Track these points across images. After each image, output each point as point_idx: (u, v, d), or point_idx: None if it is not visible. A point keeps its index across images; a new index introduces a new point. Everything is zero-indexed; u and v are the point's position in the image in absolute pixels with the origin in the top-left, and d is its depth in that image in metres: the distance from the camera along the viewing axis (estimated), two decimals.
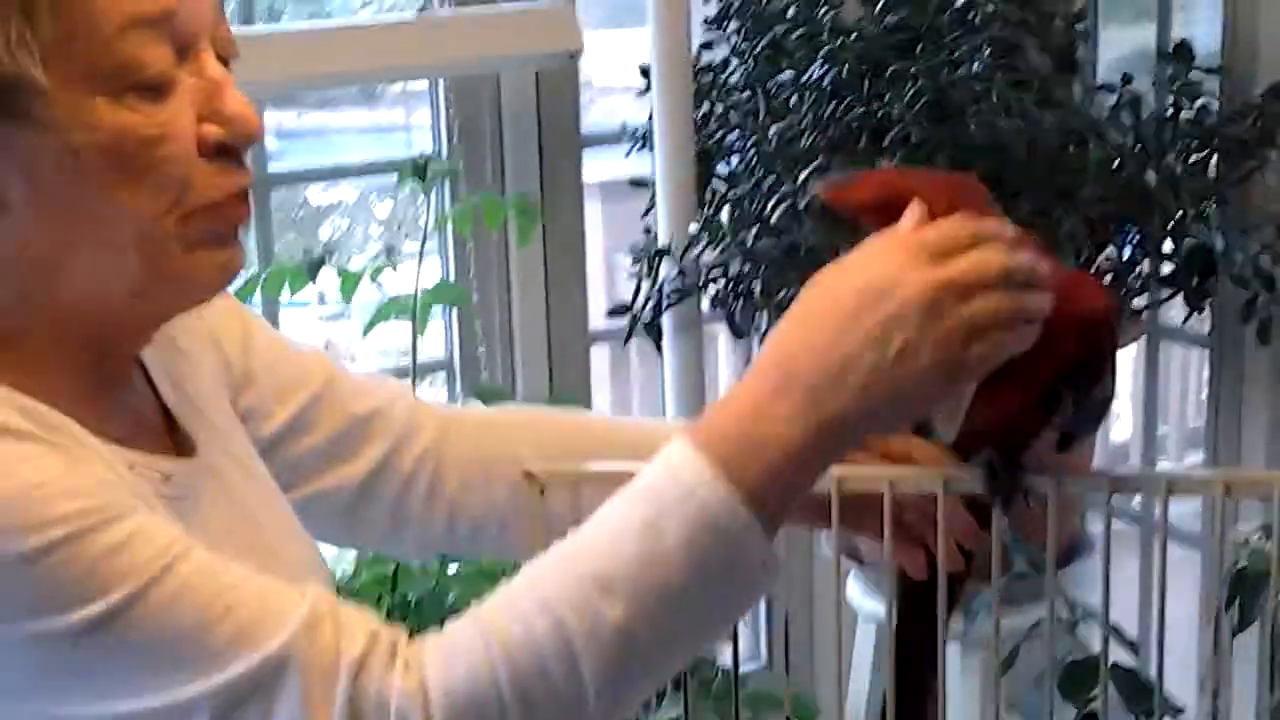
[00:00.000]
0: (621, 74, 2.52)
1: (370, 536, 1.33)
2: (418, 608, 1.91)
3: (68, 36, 0.94)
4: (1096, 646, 2.03)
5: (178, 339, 1.19)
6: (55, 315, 1.03)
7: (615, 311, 2.15)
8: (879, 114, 2.00)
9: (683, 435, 0.97)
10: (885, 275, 0.95)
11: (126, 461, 1.04)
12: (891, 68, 2.01)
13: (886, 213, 1.02)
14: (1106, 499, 1.20)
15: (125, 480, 1.01)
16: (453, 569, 2.00)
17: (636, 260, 2.28)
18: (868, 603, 2.24)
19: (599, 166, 2.66)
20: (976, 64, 1.99)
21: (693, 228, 2.13)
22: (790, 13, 2.26)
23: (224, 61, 1.03)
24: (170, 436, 1.13)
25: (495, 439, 1.27)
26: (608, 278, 3.47)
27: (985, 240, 0.98)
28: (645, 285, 2.14)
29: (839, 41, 2.09)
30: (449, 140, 2.37)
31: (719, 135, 2.24)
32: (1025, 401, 1.06)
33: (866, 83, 2.04)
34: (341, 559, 2.03)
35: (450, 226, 2.25)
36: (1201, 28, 2.52)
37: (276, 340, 1.28)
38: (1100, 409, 1.14)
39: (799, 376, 0.96)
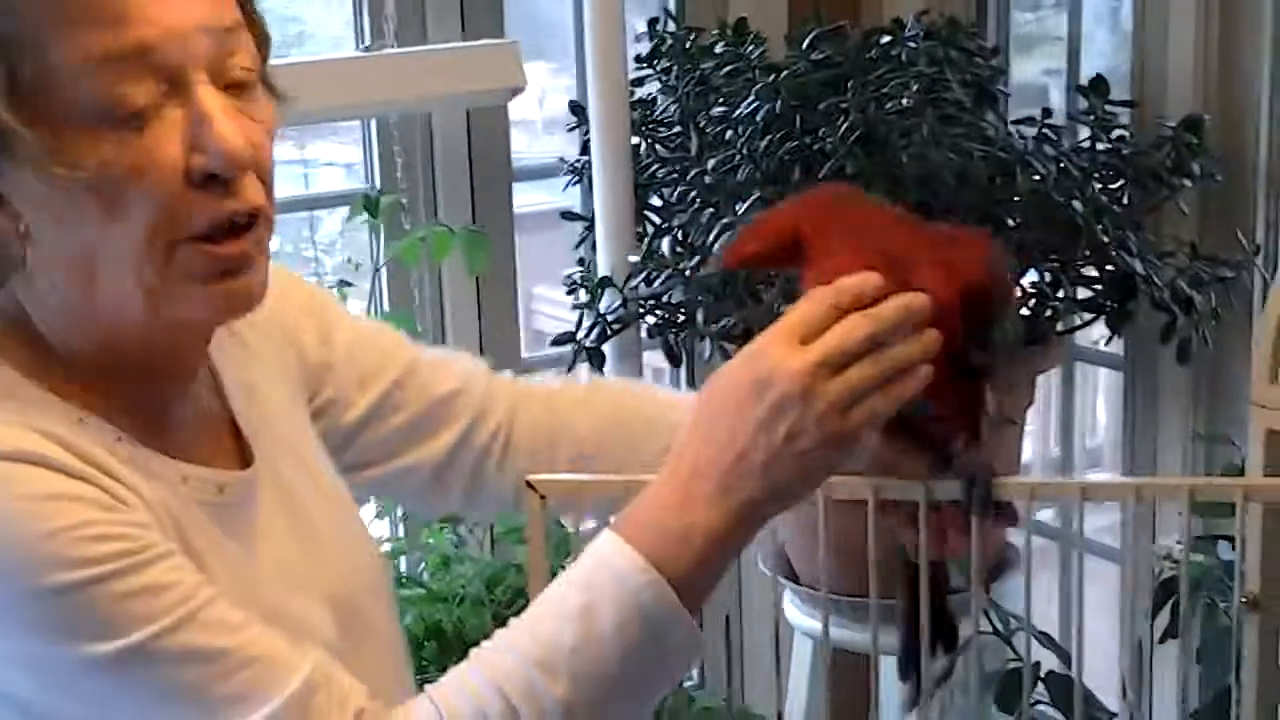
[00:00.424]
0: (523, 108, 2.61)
1: (448, 504, 1.42)
2: None
3: (45, 80, 0.99)
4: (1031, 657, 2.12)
5: (248, 339, 1.24)
6: (104, 333, 1.09)
7: (559, 340, 2.20)
8: (813, 146, 2.08)
9: (611, 529, 1.09)
10: (763, 368, 1.07)
11: (180, 474, 1.10)
12: (823, 103, 2.09)
13: (779, 255, 1.16)
14: (1027, 506, 1.29)
15: (168, 506, 1.07)
16: None
17: (571, 290, 2.33)
18: (804, 619, 2.30)
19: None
20: (905, 99, 2.06)
21: (633, 258, 2.19)
22: (718, 49, 2.33)
23: (238, 84, 1.05)
24: (235, 444, 1.18)
25: (558, 415, 1.37)
26: (526, 308, 3.52)
27: (847, 305, 1.08)
28: (588, 315, 2.18)
29: (770, 78, 2.16)
30: (381, 175, 2.41)
31: (650, 169, 2.30)
32: (940, 379, 1.14)
33: (799, 117, 2.11)
34: None
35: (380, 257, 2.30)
36: (1105, 60, 2.64)
37: (355, 327, 1.34)
38: (1008, 347, 1.25)
39: (708, 470, 1.07)
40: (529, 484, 1.27)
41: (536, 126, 3.09)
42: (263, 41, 1.11)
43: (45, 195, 1.02)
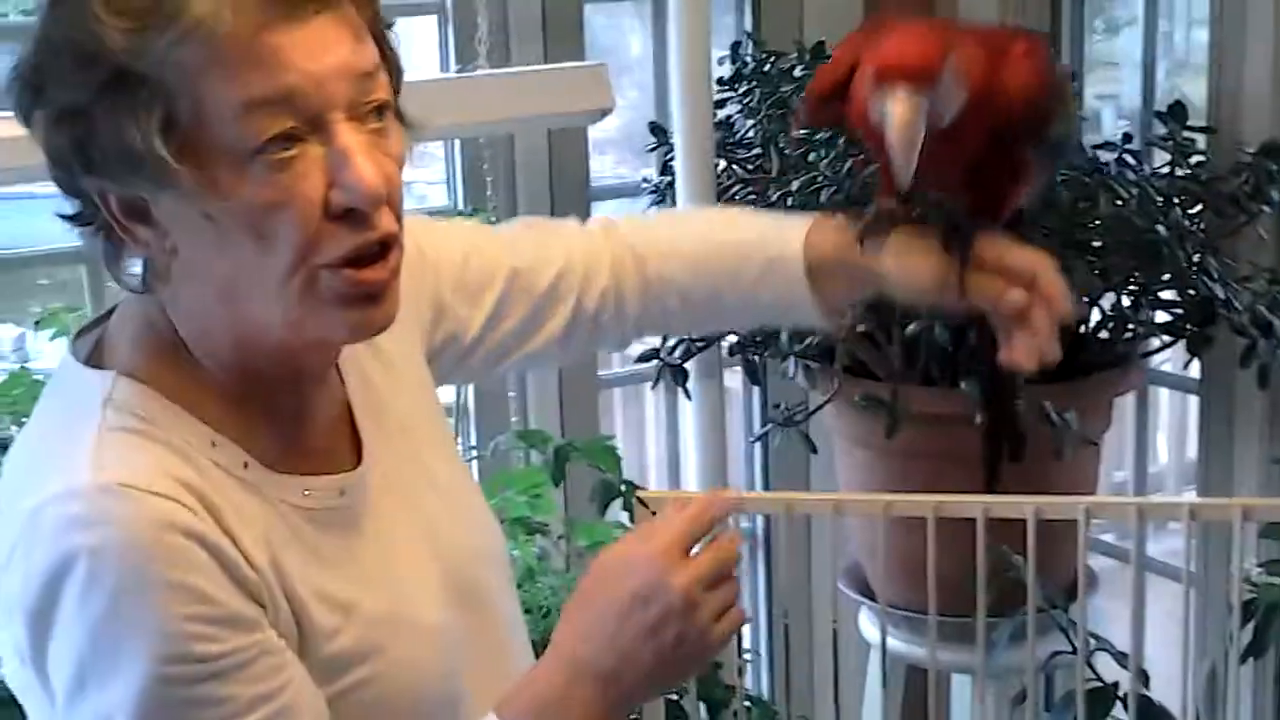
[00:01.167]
0: None
1: (576, 357, 1.67)
2: None
3: (200, 123, 1.07)
4: (1108, 677, 2.14)
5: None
6: (242, 348, 1.16)
7: (644, 358, 2.23)
8: None
9: (491, 713, 1.20)
10: (650, 580, 1.19)
11: (303, 489, 1.19)
12: None
13: (846, 77, 1.31)
14: (1085, 524, 1.33)
15: (275, 531, 1.16)
16: None
17: None
18: (878, 635, 2.32)
19: None
20: None
21: None
22: (797, 72, 2.37)
23: (371, 115, 1.11)
24: (354, 437, 1.27)
25: (657, 273, 1.49)
26: None
27: (718, 523, 1.25)
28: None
29: None
30: (466, 193, 2.46)
31: (730, 189, 2.34)
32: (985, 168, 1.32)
33: None
34: None
35: None
36: (1186, 86, 2.66)
37: (453, 253, 1.43)
38: (1059, 147, 1.43)
39: (589, 667, 1.19)
40: (639, 499, 1.31)
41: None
42: (396, 74, 1.17)
43: (196, 222, 1.09)
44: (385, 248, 1.13)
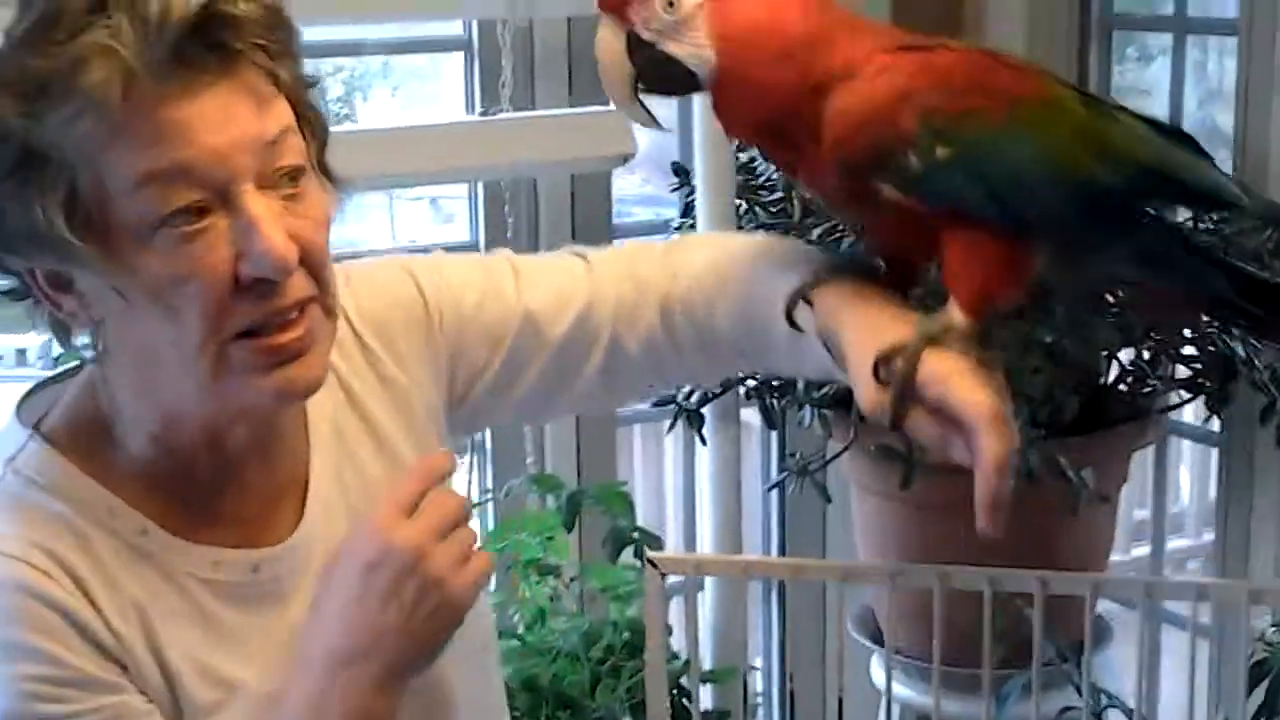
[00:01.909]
0: None
1: (630, 396, 1.56)
2: None
3: (102, 199, 1.06)
4: None
5: (367, 340, 1.30)
6: (166, 419, 1.16)
7: (661, 402, 2.23)
8: None
9: None
10: (375, 547, 1.14)
11: (211, 560, 1.18)
12: None
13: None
14: (1091, 600, 1.32)
15: (167, 605, 1.15)
16: None
17: None
18: (896, 687, 2.32)
19: None
20: None
21: None
22: None
23: (283, 179, 1.10)
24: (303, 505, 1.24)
25: (706, 292, 1.34)
26: None
27: (438, 483, 1.18)
28: None
29: None
30: (487, 233, 2.46)
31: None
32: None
33: None
34: None
35: None
36: (1219, 115, 2.64)
37: (467, 295, 1.34)
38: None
39: (346, 657, 1.14)
40: (650, 561, 1.31)
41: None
42: (320, 130, 1.16)
43: (108, 296, 1.10)
44: (301, 310, 1.13)
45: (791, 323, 1.22)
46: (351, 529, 1.18)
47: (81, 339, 1.15)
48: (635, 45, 1.16)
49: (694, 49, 1.13)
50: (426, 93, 2.72)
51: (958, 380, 1.09)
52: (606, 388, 1.38)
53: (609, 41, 1.15)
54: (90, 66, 1.04)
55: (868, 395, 1.11)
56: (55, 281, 1.11)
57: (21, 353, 3.02)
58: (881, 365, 1.11)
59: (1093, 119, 1.18)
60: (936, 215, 1.14)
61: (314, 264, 1.12)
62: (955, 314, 1.13)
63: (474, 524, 1.20)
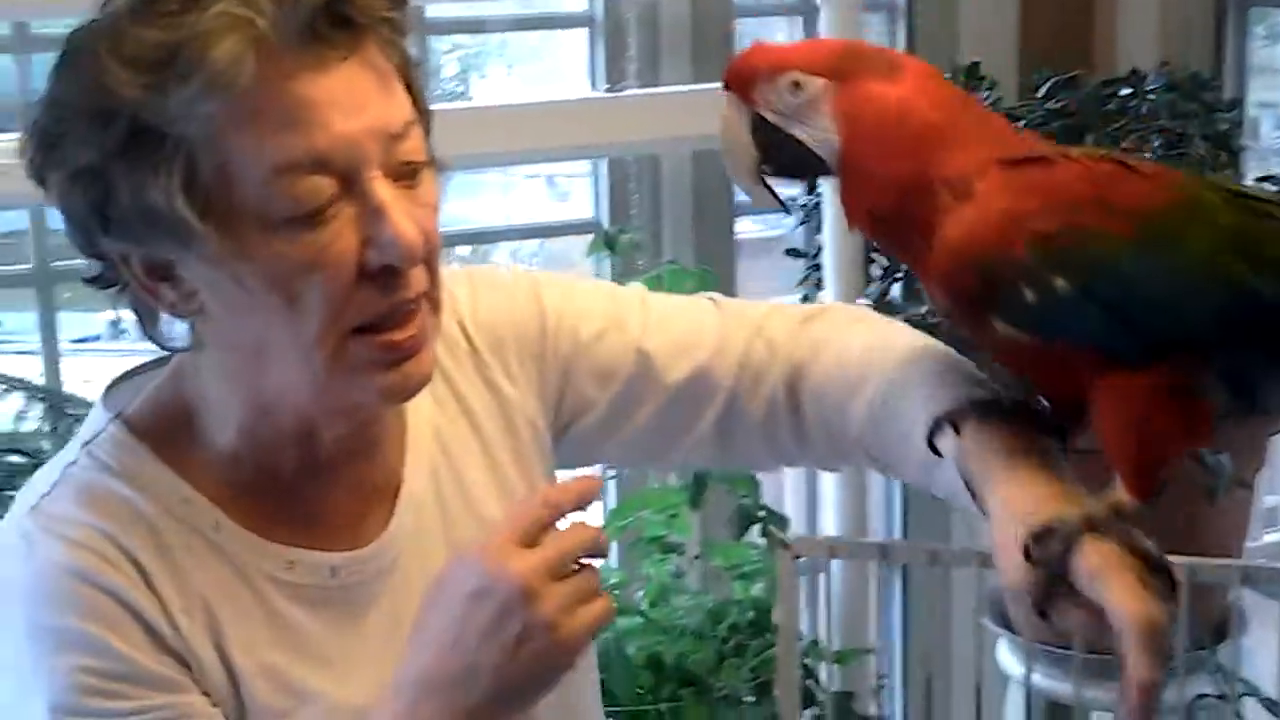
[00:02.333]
0: None
1: (747, 461, 1.38)
2: None
3: (226, 180, 1.01)
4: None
5: (479, 345, 1.24)
6: (260, 415, 1.11)
7: None
8: None
9: None
10: (483, 576, 1.05)
11: (286, 560, 1.13)
12: None
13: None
14: (1238, 584, 1.26)
15: (237, 602, 1.11)
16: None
17: None
18: (1018, 667, 2.29)
19: None
20: (1146, 153, 2.05)
21: (862, 301, 2.19)
22: None
23: (406, 173, 1.06)
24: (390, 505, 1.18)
25: (845, 380, 1.22)
26: None
27: (566, 509, 1.07)
28: None
29: None
30: (612, 210, 2.46)
31: None
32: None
33: None
34: None
35: None
36: None
37: (587, 324, 1.26)
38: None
39: (435, 686, 1.06)
40: (783, 543, 1.29)
41: None
42: (425, 117, 1.11)
43: (221, 284, 1.04)
44: (414, 306, 1.08)
45: (932, 447, 1.11)
46: (464, 548, 1.10)
47: (173, 328, 1.10)
48: (759, 126, 1.10)
49: (819, 133, 1.06)
50: (543, 71, 2.72)
51: (1114, 579, 0.96)
52: (721, 447, 1.28)
53: (733, 121, 1.08)
54: (221, 39, 0.99)
55: (1011, 571, 0.99)
56: (153, 270, 1.06)
57: (116, 324, 3.03)
58: (1033, 544, 1.00)
59: (1244, 222, 1.03)
60: (1071, 355, 1.03)
61: (430, 255, 1.08)
62: (1121, 494, 1.00)
63: (599, 563, 1.10)
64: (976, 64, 2.38)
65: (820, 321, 1.27)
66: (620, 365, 1.25)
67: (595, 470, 1.13)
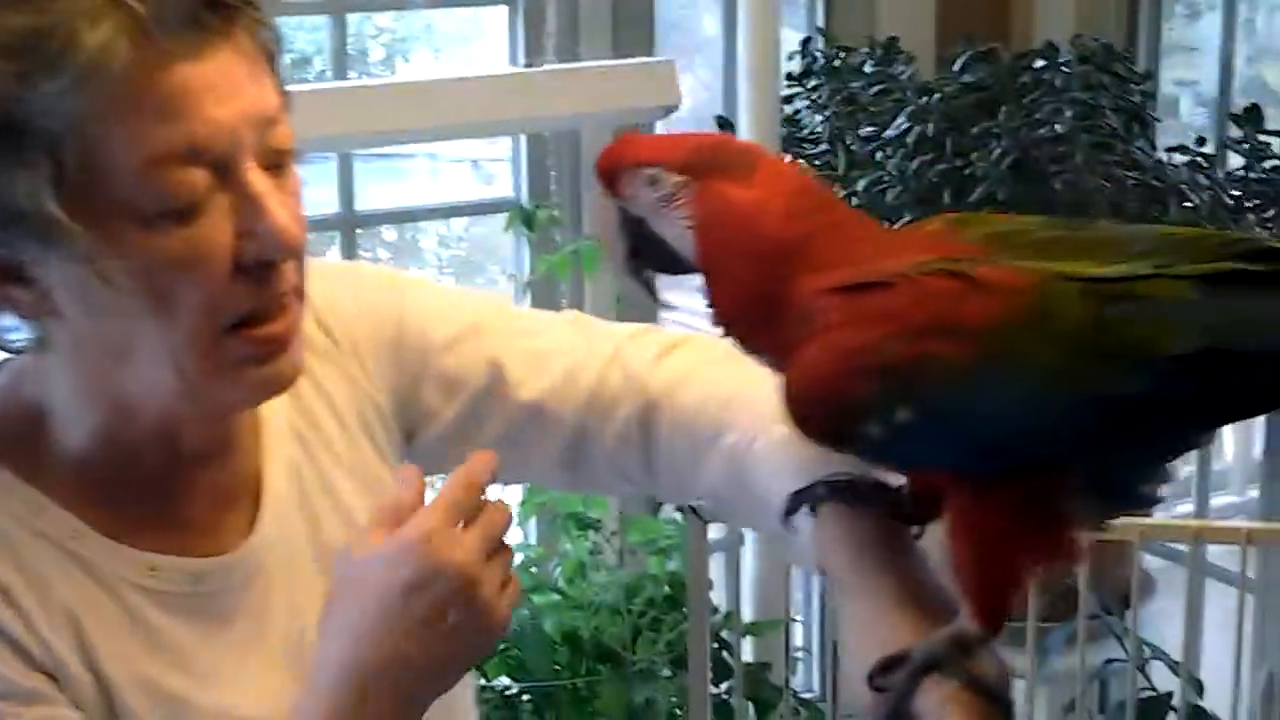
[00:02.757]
0: None
1: (597, 489, 1.36)
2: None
3: (93, 174, 0.95)
4: (1163, 684, 2.11)
5: (336, 336, 1.19)
6: (117, 418, 1.05)
7: None
8: (964, 170, 2.08)
9: None
10: (422, 566, 1.02)
11: (148, 565, 1.07)
12: (975, 127, 2.09)
13: None
14: (1138, 546, 1.29)
15: (102, 609, 1.05)
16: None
17: None
18: None
19: None
20: (1058, 125, 2.07)
21: None
22: (868, 69, 2.35)
23: (278, 162, 1.01)
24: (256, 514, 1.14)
25: (702, 424, 1.18)
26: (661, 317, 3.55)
27: (483, 489, 1.05)
28: None
29: (921, 100, 2.17)
30: (530, 187, 2.46)
31: None
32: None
33: (949, 140, 2.12)
34: None
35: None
36: (1268, 73, 2.62)
37: (443, 330, 1.22)
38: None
39: (365, 676, 1.03)
40: (693, 509, 1.29)
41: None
42: (287, 103, 1.05)
43: (85, 285, 0.98)
44: (286, 299, 1.03)
45: (786, 524, 1.08)
46: (382, 531, 1.05)
47: (9, 332, 1.03)
48: (625, 219, 1.07)
49: (678, 230, 1.01)
50: (468, 55, 2.70)
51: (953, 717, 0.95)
52: (571, 471, 1.24)
53: (605, 212, 1.03)
54: (95, 24, 0.93)
55: (860, 695, 0.98)
56: (3, 270, 0.98)
57: None
58: (877, 674, 0.97)
59: (1099, 314, 0.94)
60: (926, 475, 0.99)
61: (300, 247, 1.03)
62: (966, 624, 0.97)
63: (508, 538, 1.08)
64: (895, 39, 2.40)
65: (682, 354, 1.22)
66: (471, 375, 1.21)
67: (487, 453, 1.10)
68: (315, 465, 1.16)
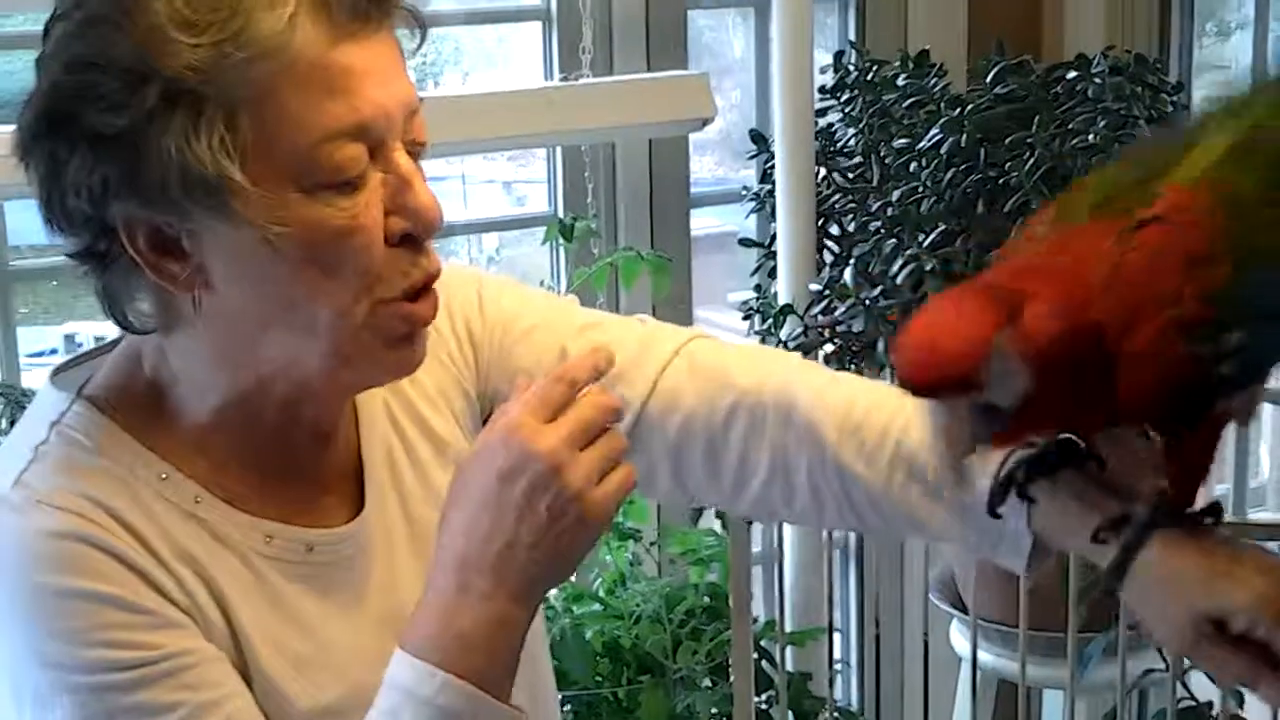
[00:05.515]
0: None
1: (694, 496, 1.33)
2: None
3: (267, 143, 1.01)
4: (1203, 696, 2.11)
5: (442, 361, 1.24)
6: (247, 392, 1.11)
7: None
8: (998, 181, 2.09)
9: (399, 646, 1.08)
10: (511, 455, 1.06)
11: (264, 534, 1.13)
12: (1008, 137, 2.10)
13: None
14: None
15: (229, 572, 1.10)
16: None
17: (747, 317, 2.38)
18: (968, 648, 2.31)
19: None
20: (1091, 135, 2.08)
21: (814, 286, 2.22)
22: (900, 82, 2.36)
23: (414, 153, 1.08)
24: (360, 491, 1.19)
25: (792, 437, 1.22)
26: None
27: (583, 382, 1.08)
28: (767, 342, 2.22)
29: (954, 111, 2.18)
30: (566, 199, 2.48)
31: (829, 198, 2.34)
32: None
33: (983, 150, 2.13)
34: None
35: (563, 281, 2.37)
36: None
37: (508, 322, 1.27)
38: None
39: (474, 565, 1.07)
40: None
41: None
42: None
43: (247, 253, 1.04)
44: (432, 280, 1.10)
45: (993, 512, 1.12)
46: (484, 433, 1.10)
47: (141, 306, 1.09)
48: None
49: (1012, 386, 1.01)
50: (498, 78, 2.72)
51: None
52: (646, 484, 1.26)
53: (945, 429, 1.00)
54: (281, 4, 1.00)
55: (1181, 640, 1.05)
56: (159, 243, 1.04)
57: (72, 338, 3.02)
58: (1105, 529, 1.07)
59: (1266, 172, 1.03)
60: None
61: (440, 225, 1.10)
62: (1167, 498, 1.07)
63: (620, 429, 1.11)
64: (926, 52, 2.41)
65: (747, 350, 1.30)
66: (544, 365, 1.25)
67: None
68: (405, 442, 1.22)
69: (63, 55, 1.03)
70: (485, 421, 1.22)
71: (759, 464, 1.23)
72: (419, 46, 1.11)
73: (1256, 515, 3.44)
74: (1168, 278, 0.98)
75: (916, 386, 0.98)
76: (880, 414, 1.20)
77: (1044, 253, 1.03)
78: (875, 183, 2.25)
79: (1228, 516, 1.13)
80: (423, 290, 1.09)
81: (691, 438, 1.24)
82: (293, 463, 1.16)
